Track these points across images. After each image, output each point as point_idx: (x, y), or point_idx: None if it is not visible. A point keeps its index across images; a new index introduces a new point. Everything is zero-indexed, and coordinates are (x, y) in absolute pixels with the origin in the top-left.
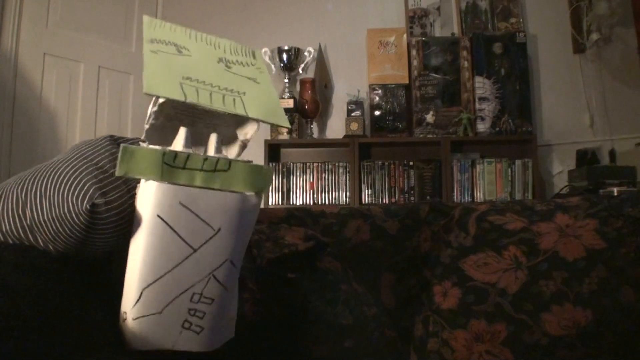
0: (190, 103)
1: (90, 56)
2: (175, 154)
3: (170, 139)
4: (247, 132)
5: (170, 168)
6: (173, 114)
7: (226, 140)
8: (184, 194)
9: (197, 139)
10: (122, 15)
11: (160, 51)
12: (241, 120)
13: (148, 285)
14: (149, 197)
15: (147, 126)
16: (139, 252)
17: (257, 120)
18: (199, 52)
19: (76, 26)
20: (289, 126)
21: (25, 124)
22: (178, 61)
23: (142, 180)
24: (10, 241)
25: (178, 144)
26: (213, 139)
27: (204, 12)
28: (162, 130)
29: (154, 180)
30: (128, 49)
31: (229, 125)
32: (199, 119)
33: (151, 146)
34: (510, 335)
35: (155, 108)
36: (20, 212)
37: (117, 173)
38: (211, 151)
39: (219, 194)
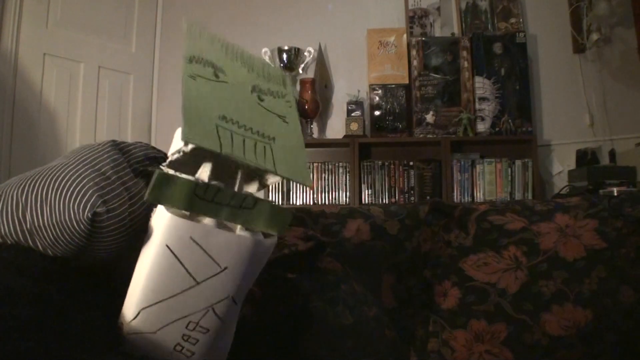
0: (225, 155)
1: (90, 56)
2: (207, 186)
3: (188, 163)
4: (269, 179)
5: (198, 199)
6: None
7: (246, 174)
8: (196, 230)
9: (217, 169)
10: (122, 15)
11: (198, 76)
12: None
13: (146, 307)
14: (161, 225)
15: (172, 159)
16: (143, 273)
17: (283, 177)
18: (234, 76)
19: (76, 26)
20: (311, 185)
21: (25, 124)
22: (215, 92)
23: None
24: (9, 243)
25: (204, 175)
26: (239, 175)
27: (204, 12)
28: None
29: (182, 209)
30: (128, 49)
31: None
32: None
33: (184, 175)
34: (510, 335)
35: (188, 150)
36: (20, 215)
37: (147, 199)
38: (236, 187)
39: (232, 235)
